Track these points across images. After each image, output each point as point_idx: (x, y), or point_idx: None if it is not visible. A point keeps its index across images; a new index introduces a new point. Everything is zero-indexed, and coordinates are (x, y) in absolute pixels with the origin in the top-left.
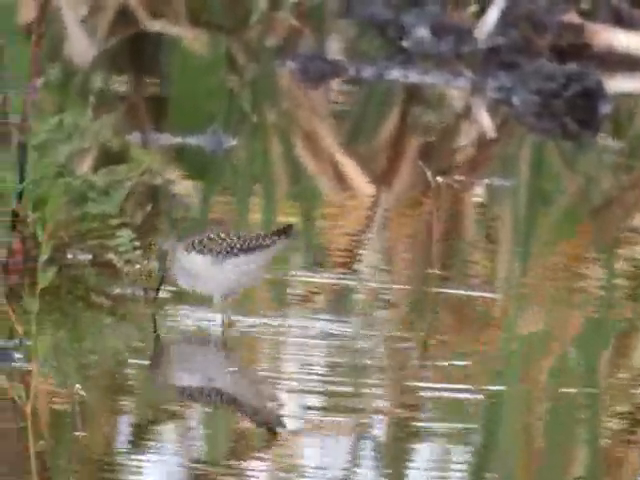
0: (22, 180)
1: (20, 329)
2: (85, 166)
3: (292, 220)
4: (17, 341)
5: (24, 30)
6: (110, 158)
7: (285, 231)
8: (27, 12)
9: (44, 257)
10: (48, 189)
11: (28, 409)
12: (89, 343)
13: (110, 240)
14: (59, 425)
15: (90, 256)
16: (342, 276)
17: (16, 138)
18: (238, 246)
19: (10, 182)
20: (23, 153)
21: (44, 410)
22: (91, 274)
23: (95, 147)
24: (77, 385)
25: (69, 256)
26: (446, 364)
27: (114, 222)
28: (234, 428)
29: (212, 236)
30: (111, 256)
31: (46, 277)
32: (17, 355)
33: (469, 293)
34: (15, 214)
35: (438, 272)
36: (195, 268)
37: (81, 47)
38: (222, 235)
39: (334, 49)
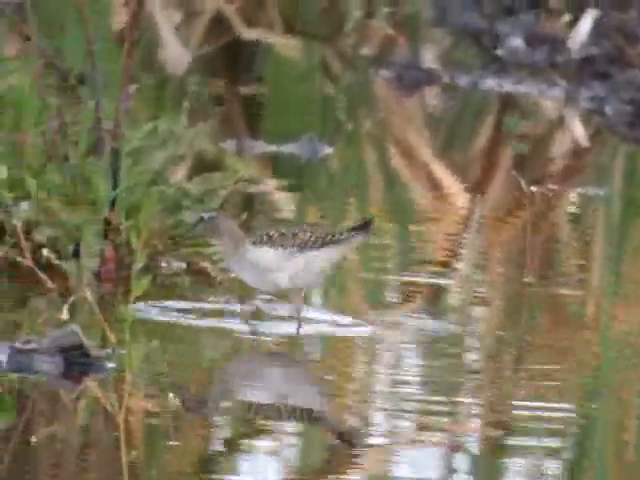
0: (115, 187)
1: (113, 338)
2: (179, 174)
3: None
4: (110, 350)
5: (117, 36)
6: (205, 166)
7: (363, 227)
8: (120, 18)
9: (139, 265)
10: (141, 197)
11: (121, 419)
12: (184, 351)
13: (204, 248)
14: (152, 435)
15: (184, 264)
16: (437, 280)
17: (109, 145)
18: (312, 241)
19: (103, 189)
20: (116, 160)
21: (137, 420)
22: (186, 282)
23: (190, 154)
24: (170, 394)
25: (163, 264)
26: (540, 380)
27: None
28: (326, 442)
29: (283, 231)
30: (205, 264)
31: (141, 285)
32: (110, 364)
33: (563, 293)
34: (107, 222)
35: (531, 280)
36: (264, 262)
37: (175, 54)
38: (295, 230)
39: (429, 58)
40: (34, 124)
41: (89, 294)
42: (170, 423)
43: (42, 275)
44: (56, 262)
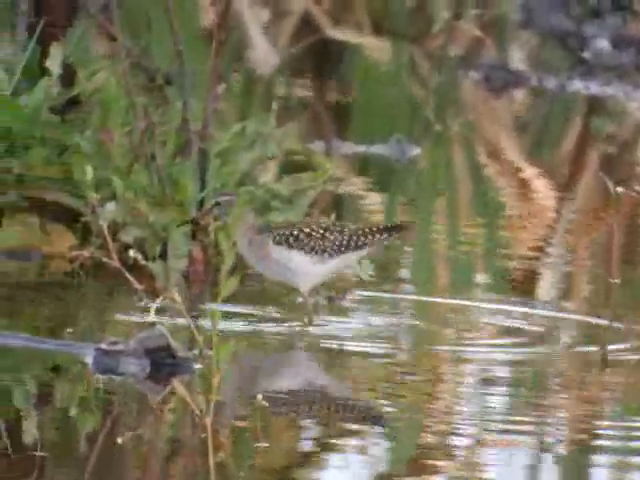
0: (203, 188)
1: (201, 339)
2: (268, 174)
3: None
4: (197, 351)
5: (205, 36)
6: (293, 166)
7: (396, 228)
8: (208, 19)
9: (227, 266)
10: None
11: (209, 421)
12: (271, 352)
13: None
14: (239, 437)
15: None
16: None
17: (197, 146)
18: (345, 243)
19: (190, 190)
20: (204, 161)
21: (224, 421)
22: (272, 283)
23: (278, 155)
24: (259, 396)
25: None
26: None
27: None
28: (415, 443)
29: (309, 231)
30: None
31: (229, 286)
32: (197, 366)
33: None
34: (196, 222)
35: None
36: (292, 265)
37: (263, 54)
38: (322, 231)
39: (516, 59)
40: (121, 124)
41: (177, 295)
42: (258, 424)
43: (129, 276)
44: (143, 263)
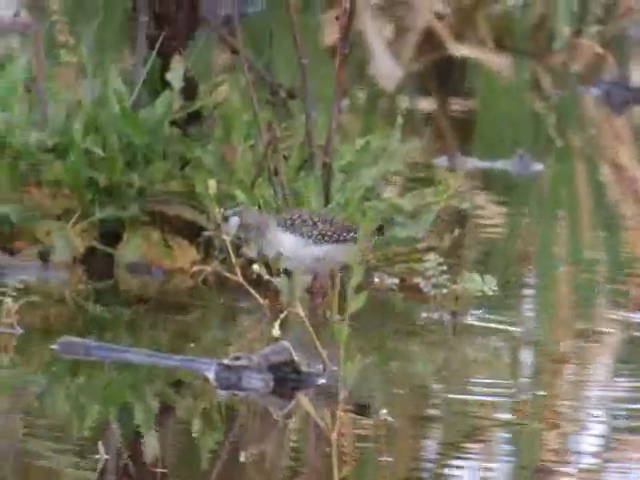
0: (327, 203)
1: (325, 354)
2: (392, 189)
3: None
4: (321, 366)
5: (329, 51)
6: (417, 181)
7: (378, 230)
8: (331, 33)
9: (355, 281)
10: (353, 212)
11: (334, 436)
12: (396, 368)
13: (417, 264)
14: (364, 451)
15: (397, 280)
16: None
17: (321, 160)
18: (330, 234)
19: (315, 205)
20: (328, 175)
21: (349, 436)
22: (398, 298)
23: (402, 170)
24: (383, 411)
25: (376, 280)
26: None
27: (421, 246)
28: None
29: (306, 218)
30: (418, 280)
31: (357, 301)
32: (321, 380)
33: None
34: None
35: None
36: (283, 247)
37: (386, 69)
38: (314, 219)
39: (637, 76)
40: (244, 138)
41: (301, 310)
42: (382, 439)
43: (253, 291)
44: (267, 278)
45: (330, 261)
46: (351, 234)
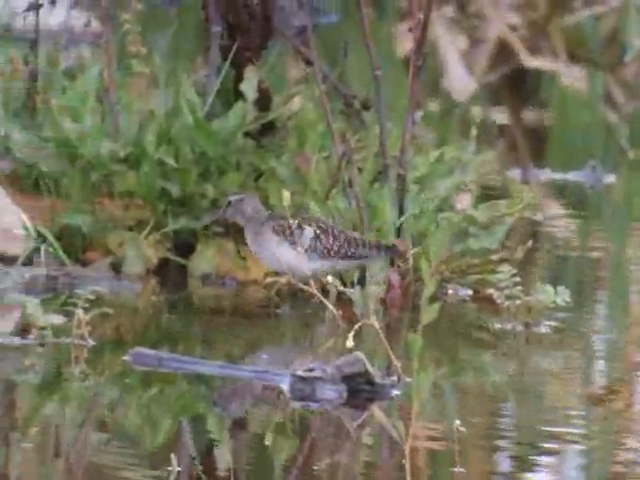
0: (401, 214)
1: (398, 365)
2: (465, 201)
3: None
4: (395, 378)
5: (402, 62)
6: (491, 193)
7: (389, 249)
8: (405, 44)
9: (429, 293)
10: (428, 224)
11: (407, 447)
12: (470, 379)
13: (491, 275)
14: (437, 462)
15: (470, 291)
16: None
17: (395, 171)
18: (335, 249)
19: (389, 216)
20: (402, 187)
21: (422, 447)
22: (471, 310)
23: (476, 182)
24: (457, 422)
25: (449, 291)
26: None
27: (495, 258)
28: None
29: (305, 227)
30: (491, 291)
31: (431, 313)
32: (395, 392)
33: None
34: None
35: None
36: (283, 258)
37: (460, 81)
38: (318, 231)
39: None
40: (318, 149)
41: (375, 321)
42: (455, 449)
43: (327, 302)
44: (341, 289)
45: (328, 271)
46: (360, 252)
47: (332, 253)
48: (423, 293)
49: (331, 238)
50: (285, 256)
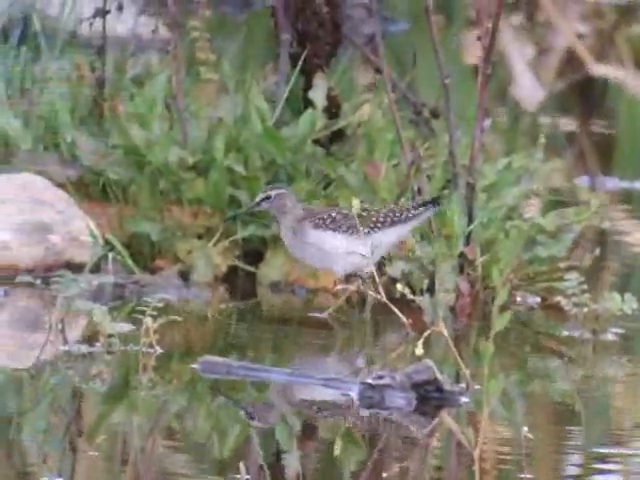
0: (470, 222)
1: (468, 372)
2: (533, 209)
3: None
4: (464, 385)
5: (471, 70)
6: (558, 201)
7: (433, 201)
8: (473, 53)
9: (500, 301)
10: (496, 232)
11: (476, 453)
12: (537, 386)
13: (558, 283)
14: (505, 469)
15: (538, 299)
16: None
17: (464, 179)
18: (382, 220)
19: (458, 224)
20: (471, 195)
21: (491, 453)
22: (539, 317)
23: (544, 190)
24: (524, 428)
25: (518, 299)
26: None
27: (563, 265)
28: None
29: (346, 212)
30: (559, 299)
31: (502, 321)
32: (464, 399)
33: None
34: (463, 257)
35: None
36: (327, 246)
37: (528, 89)
38: (360, 211)
39: None
40: (387, 158)
41: (444, 329)
42: (523, 456)
43: (396, 310)
44: (410, 297)
45: (385, 247)
46: (404, 214)
47: (380, 225)
48: (494, 301)
49: (373, 212)
50: (335, 244)
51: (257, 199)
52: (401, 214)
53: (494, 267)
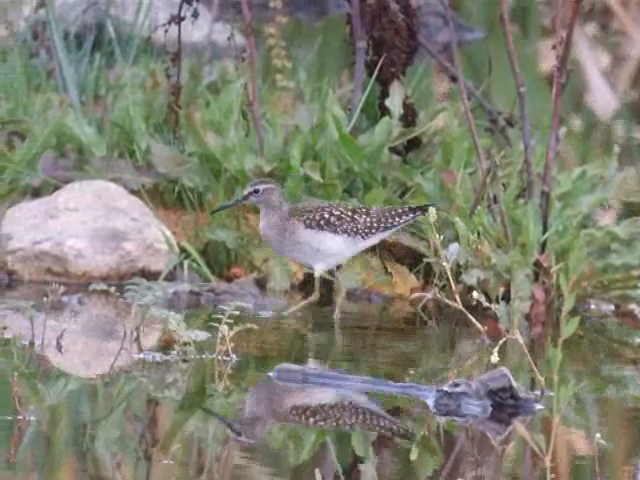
0: (545, 231)
1: (542, 380)
2: (608, 217)
3: None
4: (539, 392)
5: (546, 79)
6: (632, 210)
7: (422, 209)
8: (548, 61)
9: (568, 308)
10: (571, 240)
11: (548, 460)
12: (610, 393)
13: (632, 291)
14: (579, 476)
15: (612, 306)
16: None
17: (539, 188)
18: (375, 225)
19: (533, 232)
20: (546, 203)
21: (563, 460)
22: (613, 324)
23: (618, 198)
24: (597, 435)
25: (592, 306)
26: None
27: (636, 273)
28: None
29: (338, 213)
30: (633, 306)
31: (571, 327)
32: (538, 406)
33: None
34: (538, 264)
35: None
36: (326, 247)
37: (603, 99)
38: (350, 213)
39: None
40: (463, 165)
41: (519, 336)
42: (597, 463)
43: (472, 318)
44: (486, 305)
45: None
46: (401, 219)
47: (374, 230)
48: (563, 308)
49: (364, 216)
50: (331, 246)
51: (245, 192)
52: (393, 219)
53: (564, 275)
